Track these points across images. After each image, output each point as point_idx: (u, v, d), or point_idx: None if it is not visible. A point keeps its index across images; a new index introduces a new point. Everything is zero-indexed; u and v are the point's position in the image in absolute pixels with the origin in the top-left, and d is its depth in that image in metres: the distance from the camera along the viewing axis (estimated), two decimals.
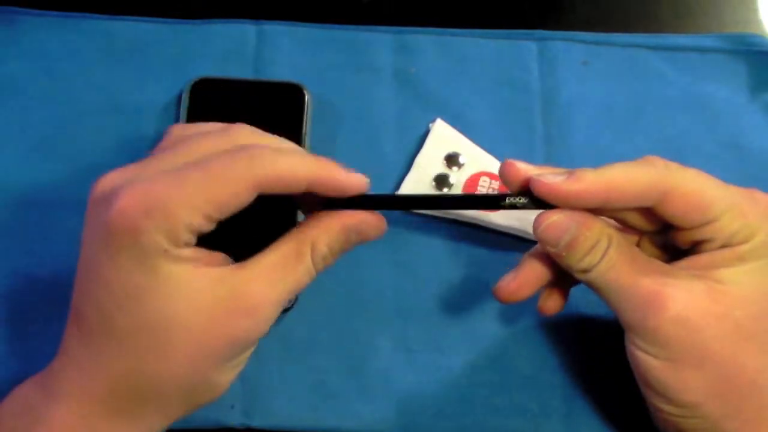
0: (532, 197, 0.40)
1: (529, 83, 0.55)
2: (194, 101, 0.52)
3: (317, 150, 0.52)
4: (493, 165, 0.52)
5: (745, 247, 0.39)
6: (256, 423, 0.48)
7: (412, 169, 0.52)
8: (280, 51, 0.55)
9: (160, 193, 0.35)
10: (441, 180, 0.52)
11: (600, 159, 0.53)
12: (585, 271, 0.41)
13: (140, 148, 0.52)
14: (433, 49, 0.56)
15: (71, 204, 0.51)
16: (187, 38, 0.55)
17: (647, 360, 0.40)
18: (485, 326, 0.50)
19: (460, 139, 0.53)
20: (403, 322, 0.50)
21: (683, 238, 0.41)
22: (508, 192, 0.40)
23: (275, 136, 0.40)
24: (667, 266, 0.41)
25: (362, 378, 0.49)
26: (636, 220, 0.42)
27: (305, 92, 0.53)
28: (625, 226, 0.43)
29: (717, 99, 0.55)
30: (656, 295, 0.39)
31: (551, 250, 0.41)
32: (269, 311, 0.37)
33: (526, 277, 0.43)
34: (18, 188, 0.51)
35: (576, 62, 0.56)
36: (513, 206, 0.40)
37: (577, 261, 0.40)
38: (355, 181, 0.39)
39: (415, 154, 0.53)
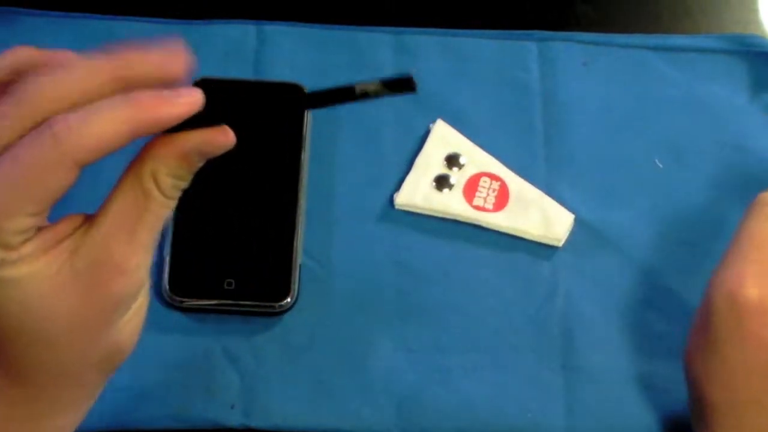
0: (385, 83, 0.36)
1: (530, 84, 0.55)
2: None
3: (318, 152, 0.52)
4: (493, 165, 0.52)
5: None
6: (255, 423, 0.48)
7: (412, 169, 0.52)
8: (281, 51, 0.55)
9: None
10: (441, 180, 0.52)
11: (600, 159, 0.53)
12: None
13: (140, 148, 0.52)
14: (434, 49, 0.56)
15: (69, 203, 0.51)
16: (188, 38, 0.54)
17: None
18: (485, 326, 0.50)
19: (461, 139, 0.53)
20: (403, 321, 0.50)
21: None
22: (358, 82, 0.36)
23: (79, 70, 0.34)
24: None
25: (362, 378, 0.48)
26: None
27: (306, 92, 0.53)
28: None
29: (717, 99, 0.55)
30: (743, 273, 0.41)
31: None
32: (139, 259, 0.35)
33: None
34: None
35: (576, 63, 0.56)
36: (365, 94, 0.36)
37: None
38: (184, 107, 0.33)
39: (416, 155, 0.53)
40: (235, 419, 0.48)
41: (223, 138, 0.35)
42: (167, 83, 0.34)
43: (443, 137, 0.53)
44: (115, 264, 0.34)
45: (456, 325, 0.50)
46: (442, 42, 0.56)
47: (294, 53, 0.55)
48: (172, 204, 0.36)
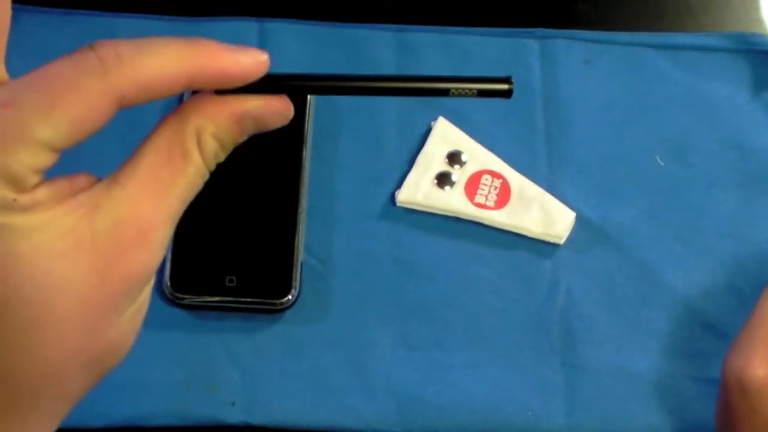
0: (482, 89, 0.33)
1: (531, 82, 0.55)
2: None
3: (320, 150, 0.53)
4: (495, 163, 0.52)
5: None
6: (256, 421, 0.48)
7: (413, 167, 0.52)
8: (282, 49, 0.55)
9: None
10: (443, 178, 0.52)
11: (601, 157, 0.53)
12: None
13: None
14: (435, 47, 0.56)
15: None
16: (189, 35, 0.55)
17: None
18: (486, 324, 0.50)
19: (462, 137, 0.53)
20: (403, 319, 0.50)
21: None
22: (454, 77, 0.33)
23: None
24: None
25: (363, 376, 0.49)
26: None
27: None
28: None
29: (719, 98, 0.55)
30: None
31: None
32: (163, 233, 0.29)
33: None
34: None
35: (577, 61, 0.56)
36: (461, 94, 0.33)
37: None
38: (248, 65, 0.29)
39: (417, 153, 0.53)
40: (235, 416, 0.48)
41: (285, 107, 0.31)
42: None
43: (445, 135, 0.53)
44: (141, 229, 0.29)
45: (457, 322, 0.50)
46: (443, 40, 0.56)
47: (295, 50, 0.55)
48: (207, 176, 0.31)
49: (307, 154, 0.52)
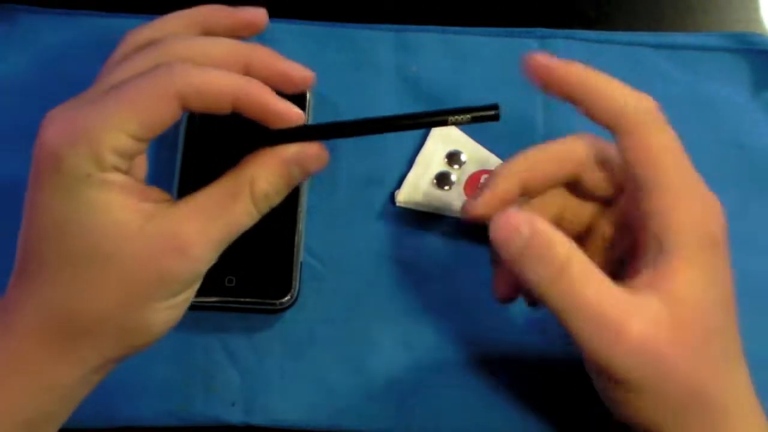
0: (474, 116, 0.39)
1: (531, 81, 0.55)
2: None
3: None
4: (494, 163, 0.52)
5: (691, 252, 0.39)
6: (256, 421, 0.48)
7: (413, 167, 0.52)
8: (281, 49, 0.54)
9: (80, 119, 0.35)
10: (442, 178, 0.52)
11: None
12: (540, 285, 0.37)
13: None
14: (435, 47, 0.56)
15: None
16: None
17: (604, 382, 0.40)
18: (486, 324, 0.50)
19: (462, 137, 0.53)
20: (403, 319, 0.50)
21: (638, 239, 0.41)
22: (450, 109, 0.39)
23: (216, 41, 0.39)
24: (625, 290, 0.38)
25: (363, 375, 0.49)
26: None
27: (306, 90, 0.53)
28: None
29: (719, 98, 0.55)
30: (620, 326, 0.36)
31: (504, 255, 0.37)
32: (202, 251, 0.36)
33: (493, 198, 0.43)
34: (15, 186, 0.51)
35: (577, 60, 0.56)
36: (457, 123, 0.39)
37: (531, 270, 0.37)
38: (285, 110, 0.37)
39: (417, 152, 0.53)
40: (235, 417, 0.48)
41: (318, 151, 0.38)
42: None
43: (444, 135, 0.53)
44: (179, 243, 0.35)
45: (457, 322, 0.50)
46: (443, 39, 0.56)
47: (295, 51, 0.55)
48: (256, 217, 0.38)
49: None
